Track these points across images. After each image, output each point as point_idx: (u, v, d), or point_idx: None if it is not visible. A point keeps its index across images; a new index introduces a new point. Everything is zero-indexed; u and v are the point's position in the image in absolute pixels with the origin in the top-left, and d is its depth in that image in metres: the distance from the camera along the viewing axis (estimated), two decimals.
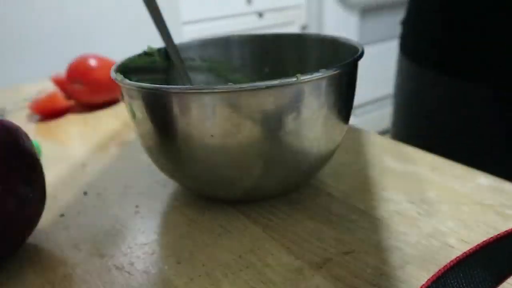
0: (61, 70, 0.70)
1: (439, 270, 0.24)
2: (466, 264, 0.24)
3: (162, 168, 0.36)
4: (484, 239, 0.29)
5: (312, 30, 2.01)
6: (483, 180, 0.36)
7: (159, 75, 0.43)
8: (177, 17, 2.02)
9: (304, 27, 2.02)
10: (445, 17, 0.51)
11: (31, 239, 0.34)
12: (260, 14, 2.05)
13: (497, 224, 0.30)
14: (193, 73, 0.45)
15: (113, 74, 0.34)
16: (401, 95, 0.61)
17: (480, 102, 0.49)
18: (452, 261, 0.24)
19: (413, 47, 0.58)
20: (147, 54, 0.42)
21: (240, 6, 2.02)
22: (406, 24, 0.60)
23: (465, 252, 0.24)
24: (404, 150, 0.42)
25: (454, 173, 0.37)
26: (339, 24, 1.99)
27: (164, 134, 0.32)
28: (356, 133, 0.47)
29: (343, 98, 0.33)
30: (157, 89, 0.30)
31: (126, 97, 0.34)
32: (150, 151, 0.35)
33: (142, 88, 0.31)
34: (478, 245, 0.25)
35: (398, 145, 0.43)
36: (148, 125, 0.33)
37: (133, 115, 0.34)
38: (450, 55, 0.51)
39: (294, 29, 1.98)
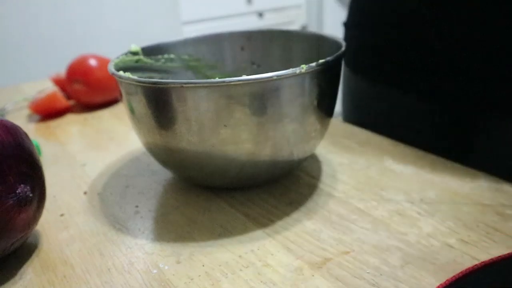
0: (61, 70, 0.70)
1: (448, 279, 0.24)
2: (476, 277, 0.24)
3: (159, 158, 0.37)
4: (484, 239, 0.29)
5: (312, 29, 2.01)
6: (483, 180, 0.36)
7: (145, 72, 0.44)
8: (177, 17, 2.02)
9: (304, 27, 2.02)
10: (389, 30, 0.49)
11: (31, 239, 0.34)
12: (260, 14, 2.05)
13: (497, 224, 0.30)
14: (172, 71, 0.46)
15: (112, 71, 0.36)
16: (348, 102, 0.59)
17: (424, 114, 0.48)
18: (463, 271, 0.24)
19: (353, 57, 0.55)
20: (132, 53, 0.43)
21: (240, 6, 2.02)
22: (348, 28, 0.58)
23: (476, 265, 0.25)
24: (404, 150, 0.42)
25: (454, 173, 0.37)
26: (339, 24, 1.99)
27: (162, 125, 0.33)
28: (356, 133, 0.47)
29: (323, 92, 0.34)
30: (156, 83, 0.32)
31: (125, 93, 0.35)
32: (147, 143, 0.37)
33: (142, 83, 0.33)
34: (493, 259, 0.25)
35: (398, 145, 0.43)
36: (146, 119, 0.34)
37: (132, 110, 0.35)
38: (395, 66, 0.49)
39: (294, 28, 1.98)
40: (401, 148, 0.43)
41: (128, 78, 0.33)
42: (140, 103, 0.34)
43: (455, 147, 0.46)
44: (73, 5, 1.89)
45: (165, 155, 0.36)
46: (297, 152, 0.36)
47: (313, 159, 0.42)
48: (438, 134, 0.48)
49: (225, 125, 0.32)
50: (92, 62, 0.64)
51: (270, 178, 0.38)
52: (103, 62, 0.65)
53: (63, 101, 0.64)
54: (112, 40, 1.91)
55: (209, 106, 0.31)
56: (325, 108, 0.35)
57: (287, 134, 0.33)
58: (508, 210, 0.32)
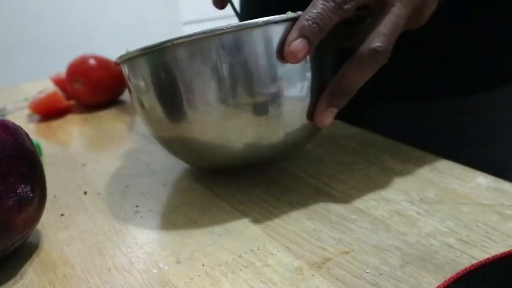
0: (61, 70, 0.70)
1: (449, 278, 0.24)
2: (475, 276, 0.24)
3: (166, 140, 0.37)
4: (483, 239, 0.29)
5: None
6: (482, 180, 0.36)
7: None
8: (177, 17, 2.02)
9: None
10: None
11: (31, 239, 0.34)
12: None
13: (497, 224, 0.30)
14: None
15: (117, 60, 0.36)
16: None
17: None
18: (462, 271, 0.24)
19: None
20: None
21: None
22: None
23: (475, 264, 0.25)
24: (404, 150, 0.42)
25: (454, 173, 0.37)
26: None
27: (167, 92, 0.33)
28: (356, 133, 0.47)
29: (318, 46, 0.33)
30: (154, 46, 0.32)
31: (131, 70, 0.35)
32: (154, 122, 0.36)
33: (144, 50, 0.33)
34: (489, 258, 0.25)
35: (398, 145, 0.43)
36: (152, 92, 0.34)
37: (138, 90, 0.35)
38: None
39: None
40: (401, 148, 0.43)
41: (132, 52, 0.34)
42: (144, 77, 0.34)
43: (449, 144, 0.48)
44: (73, 5, 1.90)
45: (174, 132, 0.35)
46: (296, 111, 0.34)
47: (313, 159, 0.42)
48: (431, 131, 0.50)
49: (220, 79, 0.32)
50: (92, 62, 0.64)
51: (274, 153, 0.37)
52: (103, 62, 0.65)
53: (63, 101, 0.65)
54: (112, 40, 1.91)
55: (205, 59, 0.31)
56: (321, 61, 0.34)
57: (284, 85, 0.33)
58: (508, 210, 0.32)
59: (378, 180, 0.38)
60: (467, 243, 0.29)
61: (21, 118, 0.65)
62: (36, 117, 0.65)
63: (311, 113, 0.34)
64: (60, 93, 0.65)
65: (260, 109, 0.33)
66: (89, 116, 0.63)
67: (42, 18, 1.85)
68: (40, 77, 0.85)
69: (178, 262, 0.30)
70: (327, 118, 0.33)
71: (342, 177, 0.39)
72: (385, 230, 0.31)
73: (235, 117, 0.33)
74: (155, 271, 0.30)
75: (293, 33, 0.31)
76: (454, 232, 0.30)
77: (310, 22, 0.30)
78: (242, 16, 0.62)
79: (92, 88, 0.64)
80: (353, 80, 0.32)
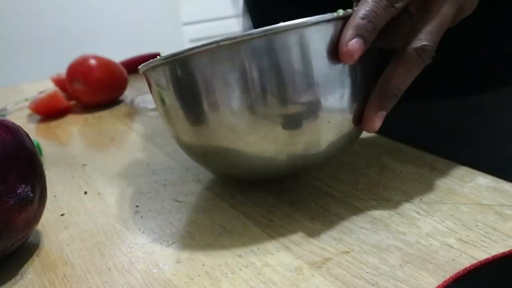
0: (62, 70, 0.70)
1: (449, 278, 0.24)
2: (474, 276, 0.24)
3: (196, 152, 0.35)
4: (483, 238, 0.29)
5: None
6: (482, 180, 0.36)
7: None
8: (177, 17, 2.02)
9: None
10: None
11: (31, 239, 0.34)
12: None
13: (496, 224, 0.31)
14: None
15: (142, 68, 0.34)
16: None
17: None
18: (462, 271, 0.24)
19: None
20: None
21: (240, 6, 2.02)
22: None
23: (474, 264, 0.25)
24: (404, 150, 0.42)
25: (453, 173, 0.37)
26: None
27: (193, 101, 0.31)
28: None
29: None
30: (176, 54, 0.30)
31: (155, 80, 0.33)
32: (178, 129, 0.34)
33: (168, 58, 0.31)
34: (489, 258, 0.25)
35: (398, 145, 0.43)
36: (178, 101, 0.32)
37: (162, 99, 0.33)
38: None
39: None
40: (401, 148, 0.43)
41: (155, 61, 0.31)
42: (169, 86, 0.32)
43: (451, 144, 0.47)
44: (74, 6, 1.90)
45: (201, 142, 0.33)
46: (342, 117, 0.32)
47: None
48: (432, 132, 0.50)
49: (252, 90, 0.29)
50: (93, 62, 0.64)
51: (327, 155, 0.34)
52: (104, 62, 0.65)
53: (63, 101, 0.65)
54: (112, 40, 1.91)
55: (236, 65, 0.29)
56: (362, 64, 0.32)
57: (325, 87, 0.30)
58: (507, 210, 0.32)
59: (378, 180, 0.38)
60: (467, 243, 0.29)
61: (21, 118, 0.65)
62: (36, 117, 0.65)
63: (358, 118, 0.33)
64: (60, 93, 0.65)
65: (295, 122, 0.31)
66: (89, 116, 0.63)
67: (42, 18, 1.85)
68: (40, 77, 0.85)
69: (178, 262, 0.30)
70: (378, 122, 0.32)
71: (342, 177, 0.39)
72: (384, 230, 0.31)
73: (265, 128, 0.31)
74: (155, 271, 0.30)
75: (349, 32, 0.29)
76: (453, 232, 0.30)
77: (365, 20, 0.29)
78: (249, 12, 0.62)
79: (92, 88, 0.64)
80: (402, 80, 0.32)
